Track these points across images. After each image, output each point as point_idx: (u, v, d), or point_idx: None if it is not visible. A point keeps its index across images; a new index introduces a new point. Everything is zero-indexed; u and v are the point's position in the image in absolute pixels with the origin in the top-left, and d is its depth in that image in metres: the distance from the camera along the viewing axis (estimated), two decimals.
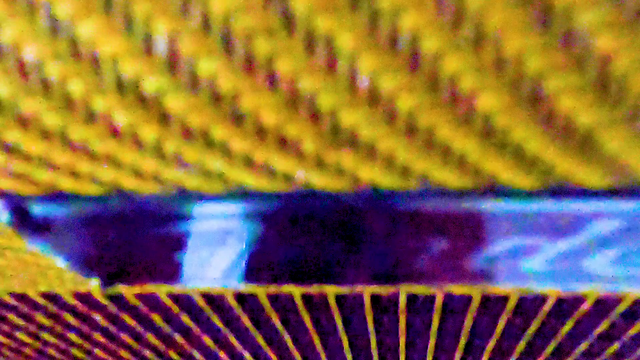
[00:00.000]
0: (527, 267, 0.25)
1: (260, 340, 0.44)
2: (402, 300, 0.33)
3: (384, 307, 0.33)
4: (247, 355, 0.50)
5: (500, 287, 0.28)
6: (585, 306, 0.31)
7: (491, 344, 0.40)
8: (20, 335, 0.53)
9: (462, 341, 0.40)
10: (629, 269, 0.24)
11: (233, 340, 0.45)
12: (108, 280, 0.28)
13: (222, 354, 0.51)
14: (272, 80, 0.16)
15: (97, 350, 0.55)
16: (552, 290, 0.29)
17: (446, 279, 0.26)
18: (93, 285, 0.29)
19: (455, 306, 0.33)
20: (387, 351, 0.41)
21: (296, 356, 0.45)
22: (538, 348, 0.41)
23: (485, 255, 0.24)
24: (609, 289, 0.26)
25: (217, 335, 0.46)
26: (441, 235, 0.23)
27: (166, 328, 0.47)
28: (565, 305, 0.32)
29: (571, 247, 0.23)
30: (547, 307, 0.32)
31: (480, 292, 0.30)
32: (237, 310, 0.36)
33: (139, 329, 0.49)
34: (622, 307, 0.33)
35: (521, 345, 0.40)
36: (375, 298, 0.32)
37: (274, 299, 0.32)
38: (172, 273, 0.28)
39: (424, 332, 0.37)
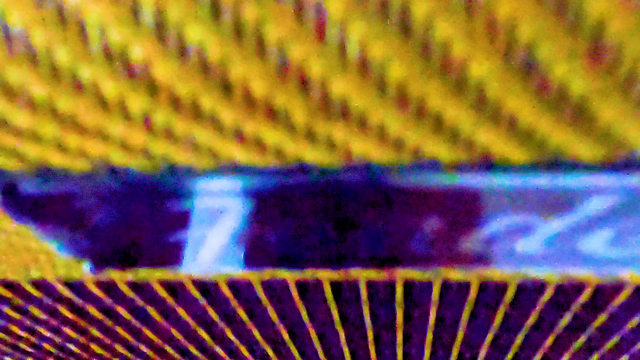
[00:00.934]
0: (522, 248, 0.25)
1: (257, 334, 0.44)
2: (399, 291, 0.32)
3: (381, 298, 0.33)
4: (243, 349, 0.49)
5: (496, 271, 0.28)
6: (585, 296, 0.31)
7: (489, 337, 0.40)
8: (15, 329, 0.53)
9: (460, 334, 0.40)
10: (626, 250, 0.24)
11: (229, 334, 0.45)
12: (99, 264, 0.28)
13: (218, 349, 0.51)
14: (261, 47, 0.16)
15: (92, 345, 0.55)
16: (550, 276, 0.28)
17: (441, 262, 0.26)
18: (85, 269, 0.28)
19: (453, 297, 0.33)
20: (384, 344, 0.41)
21: (292, 350, 0.45)
22: (537, 341, 0.41)
23: (480, 235, 0.24)
24: (607, 272, 0.26)
25: (213, 329, 0.46)
26: (435, 213, 0.22)
27: (163, 322, 0.47)
28: (563, 297, 0.32)
29: (567, 226, 0.23)
30: (546, 296, 0.32)
31: (478, 278, 0.29)
32: (232, 302, 0.36)
33: (136, 323, 0.49)
34: (622, 298, 0.33)
35: (520, 338, 0.40)
36: (371, 288, 0.32)
37: (268, 287, 0.32)
38: (165, 256, 0.27)
39: (422, 325, 0.36)
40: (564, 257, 0.25)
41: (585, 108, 0.17)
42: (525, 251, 0.25)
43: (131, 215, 0.23)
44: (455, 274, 0.29)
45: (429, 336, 0.39)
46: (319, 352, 0.43)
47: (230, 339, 0.46)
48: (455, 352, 0.43)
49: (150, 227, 0.25)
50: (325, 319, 0.36)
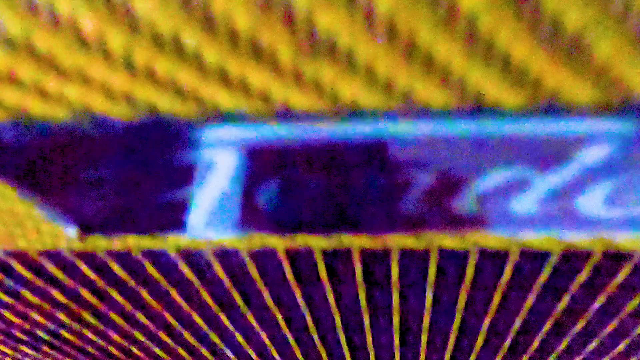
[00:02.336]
0: (518, 208, 0.24)
1: (251, 320, 0.43)
2: (395, 267, 0.32)
3: (375, 269, 0.32)
4: (238, 335, 0.49)
5: (492, 235, 0.27)
6: (588, 269, 0.30)
7: (488, 318, 0.39)
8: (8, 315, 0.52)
9: (458, 319, 0.39)
10: (623, 209, 0.24)
11: (225, 320, 0.44)
12: (84, 229, 0.27)
13: (212, 335, 0.50)
14: None
15: (85, 331, 0.54)
16: (551, 245, 0.28)
17: (433, 225, 0.26)
18: (71, 234, 0.28)
19: (450, 265, 0.32)
20: (378, 321, 0.40)
21: (284, 329, 0.44)
22: (537, 322, 0.40)
23: (473, 192, 0.23)
24: (605, 235, 0.26)
25: (207, 313, 0.45)
26: (425, 166, 0.22)
27: (155, 305, 0.46)
28: (566, 268, 0.31)
29: (563, 181, 0.22)
30: (549, 268, 0.31)
31: (476, 247, 0.29)
32: (222, 276, 0.35)
33: (129, 307, 0.48)
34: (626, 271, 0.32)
35: (521, 316, 0.39)
36: (364, 258, 0.31)
37: (256, 257, 0.31)
38: (151, 220, 0.27)
39: (416, 293, 0.36)
40: (561, 218, 0.24)
41: (580, 43, 0.16)
42: (520, 211, 0.24)
43: (114, 171, 0.23)
44: (451, 242, 0.28)
45: (428, 301, 0.38)
46: (306, 315, 0.42)
47: (221, 320, 0.45)
48: (456, 322, 0.42)
49: (136, 185, 0.24)
50: (315, 290, 0.36)
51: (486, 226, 0.26)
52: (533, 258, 0.29)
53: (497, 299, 0.35)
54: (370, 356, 0.46)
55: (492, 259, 0.30)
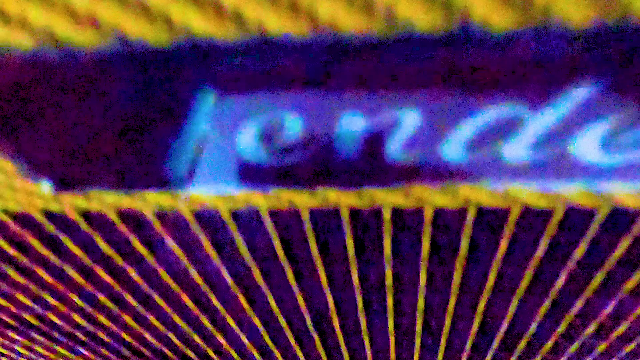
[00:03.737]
0: (509, 155, 0.23)
1: (229, 280, 0.42)
2: (387, 225, 0.31)
3: (366, 229, 0.31)
4: (212, 298, 0.47)
5: (485, 191, 0.26)
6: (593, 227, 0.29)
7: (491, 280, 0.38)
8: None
9: (457, 279, 0.38)
10: (620, 154, 0.22)
11: (203, 285, 0.43)
12: (60, 185, 0.26)
13: (184, 297, 0.48)
14: None
15: (45, 295, 0.53)
16: (552, 203, 0.27)
17: (421, 177, 0.24)
18: (44, 189, 0.27)
19: (448, 222, 0.31)
20: (370, 286, 0.39)
21: (266, 292, 0.43)
22: (551, 278, 0.38)
23: (461, 135, 0.22)
24: (604, 187, 0.24)
25: (185, 279, 0.43)
26: (410, 102, 0.21)
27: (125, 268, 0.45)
28: (570, 224, 0.30)
29: (555, 121, 0.21)
30: (554, 223, 0.30)
31: (471, 204, 0.27)
32: (202, 238, 0.34)
33: (117, 288, 0.47)
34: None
35: (525, 281, 0.38)
36: (355, 217, 0.30)
37: (237, 217, 0.30)
38: (130, 175, 0.26)
39: (411, 252, 0.35)
40: (555, 166, 0.23)
41: None
42: (512, 159, 0.23)
43: (85, 112, 0.22)
44: (443, 199, 0.27)
45: (425, 259, 0.37)
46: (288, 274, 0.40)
47: (198, 284, 0.44)
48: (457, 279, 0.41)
49: (110, 131, 0.23)
50: (302, 255, 0.34)
51: (476, 177, 0.24)
52: (535, 216, 0.28)
53: (498, 257, 0.34)
54: (362, 322, 0.45)
55: (490, 218, 0.29)
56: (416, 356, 0.58)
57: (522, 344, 0.50)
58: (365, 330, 0.52)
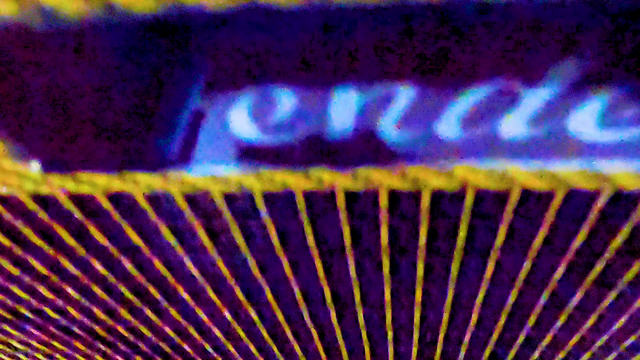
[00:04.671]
0: (506, 132, 0.23)
1: (222, 267, 0.41)
2: (383, 210, 0.30)
3: (362, 209, 0.31)
4: (200, 277, 0.45)
5: (484, 172, 0.25)
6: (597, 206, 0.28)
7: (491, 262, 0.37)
8: None
9: (456, 261, 0.37)
10: (617, 131, 0.22)
11: (190, 266, 0.42)
12: (49, 166, 0.26)
13: (169, 278, 0.48)
14: None
15: (41, 288, 0.52)
16: (552, 184, 0.26)
17: (415, 155, 0.24)
18: (33, 169, 0.26)
19: (446, 207, 0.30)
20: (364, 267, 0.38)
21: (256, 274, 0.42)
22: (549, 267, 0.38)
23: (456, 112, 0.22)
24: (602, 166, 0.24)
25: (173, 259, 0.42)
26: (405, 74, 0.20)
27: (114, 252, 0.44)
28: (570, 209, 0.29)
29: (552, 96, 0.21)
30: (556, 204, 0.29)
31: (469, 186, 0.27)
32: (192, 221, 0.33)
33: (111, 278, 0.46)
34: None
35: (526, 268, 0.37)
36: (350, 200, 0.30)
37: (230, 201, 0.30)
38: (121, 155, 0.25)
39: (408, 235, 0.34)
40: (551, 144, 0.23)
41: None
42: (509, 136, 0.23)
43: (71, 83, 0.21)
44: (440, 181, 0.27)
45: (421, 247, 0.36)
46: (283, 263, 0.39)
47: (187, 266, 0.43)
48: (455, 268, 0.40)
49: (100, 108, 0.22)
50: (294, 234, 0.34)
51: (472, 156, 0.24)
52: (536, 199, 0.28)
53: (499, 239, 0.33)
54: (356, 297, 0.45)
55: (490, 200, 0.28)
56: (414, 351, 0.57)
57: (521, 338, 0.50)
58: (363, 325, 0.52)
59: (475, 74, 0.20)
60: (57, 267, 0.43)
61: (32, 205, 0.32)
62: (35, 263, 0.42)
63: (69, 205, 0.31)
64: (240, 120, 0.23)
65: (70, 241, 0.37)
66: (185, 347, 0.59)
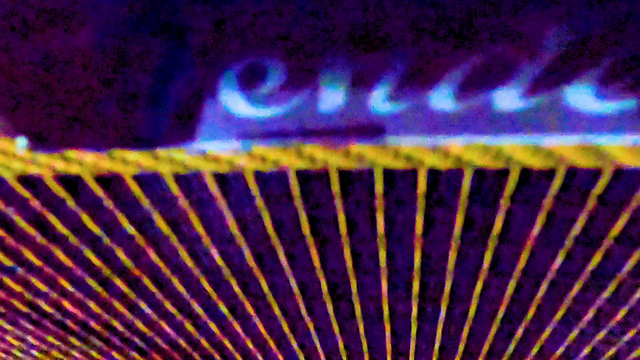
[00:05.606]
0: (500, 104, 0.22)
1: (212, 249, 0.40)
2: (379, 188, 0.30)
3: (356, 191, 0.30)
4: (187, 259, 0.44)
5: (478, 146, 0.25)
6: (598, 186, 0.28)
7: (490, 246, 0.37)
8: None
9: (454, 245, 0.36)
10: (615, 102, 0.21)
11: (181, 250, 0.41)
12: (36, 142, 0.25)
13: (174, 281, 0.47)
14: None
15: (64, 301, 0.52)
16: (548, 162, 0.26)
17: (408, 128, 0.23)
18: (20, 146, 0.26)
19: (443, 187, 0.30)
20: (360, 251, 0.38)
21: (247, 257, 0.41)
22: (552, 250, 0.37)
23: (450, 83, 0.21)
24: (600, 140, 0.23)
25: (162, 243, 0.42)
26: (396, 43, 0.20)
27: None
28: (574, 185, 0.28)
29: (546, 67, 0.20)
30: (557, 184, 0.28)
31: (466, 165, 0.26)
32: (182, 203, 0.32)
33: (105, 272, 0.46)
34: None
35: (525, 253, 0.37)
36: (344, 178, 0.29)
37: (221, 181, 0.29)
38: (111, 132, 0.25)
39: (407, 228, 0.33)
40: (549, 115, 0.22)
41: None
42: (503, 108, 0.22)
43: (56, 53, 0.21)
44: (434, 159, 0.26)
45: (418, 226, 0.36)
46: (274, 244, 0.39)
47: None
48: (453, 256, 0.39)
49: (82, 81, 0.22)
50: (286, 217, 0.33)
51: (467, 130, 0.23)
52: (537, 178, 0.27)
53: (498, 222, 0.32)
54: (352, 284, 0.44)
55: (490, 179, 0.28)
56: (412, 345, 0.57)
57: (520, 332, 0.49)
58: (360, 318, 0.51)
59: (470, 42, 0.20)
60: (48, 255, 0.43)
61: (17, 186, 0.31)
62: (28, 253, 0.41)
63: (54, 186, 0.31)
64: (230, 94, 0.23)
65: (64, 230, 0.36)
66: (181, 341, 0.59)
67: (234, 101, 0.23)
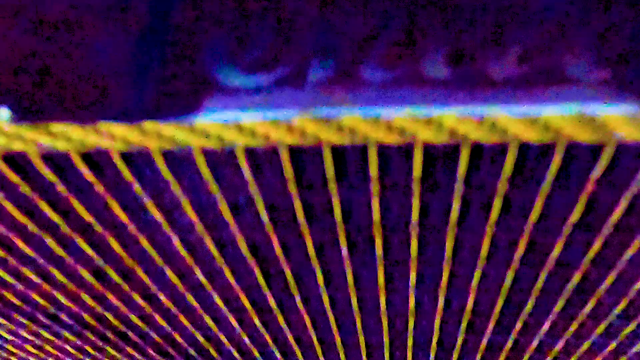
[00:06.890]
0: (492, 71, 0.21)
1: (201, 232, 0.40)
2: (372, 166, 0.29)
3: (349, 169, 0.30)
4: (178, 245, 0.43)
5: (473, 119, 0.24)
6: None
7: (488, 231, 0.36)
8: None
9: (452, 225, 0.36)
10: (612, 71, 0.21)
11: (169, 231, 0.40)
12: (20, 114, 0.25)
13: (168, 271, 0.47)
14: None
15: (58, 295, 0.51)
16: (545, 136, 0.25)
17: (399, 98, 0.23)
18: (2, 117, 0.25)
19: (440, 172, 0.29)
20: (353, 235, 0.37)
21: (243, 250, 0.41)
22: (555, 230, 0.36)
23: (442, 48, 0.21)
24: (599, 110, 0.23)
25: (150, 227, 0.41)
26: (389, 6, 0.19)
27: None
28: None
29: (540, 30, 0.20)
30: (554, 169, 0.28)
31: (463, 139, 0.26)
32: (172, 182, 0.32)
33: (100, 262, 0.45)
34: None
35: (524, 237, 0.36)
36: (337, 156, 0.29)
37: (211, 156, 0.28)
38: (88, 100, 0.24)
39: (402, 208, 0.33)
40: (545, 83, 0.22)
41: None
42: (496, 75, 0.22)
43: (38, 17, 0.20)
44: (428, 133, 0.25)
45: (415, 210, 0.35)
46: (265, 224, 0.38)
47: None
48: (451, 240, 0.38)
49: (65, 47, 0.21)
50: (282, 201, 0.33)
51: (460, 100, 0.23)
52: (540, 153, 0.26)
53: (497, 202, 0.32)
54: (346, 269, 0.43)
55: (488, 155, 0.27)
56: (410, 342, 0.56)
57: (519, 323, 0.48)
58: (357, 311, 0.51)
59: (463, 9, 0.19)
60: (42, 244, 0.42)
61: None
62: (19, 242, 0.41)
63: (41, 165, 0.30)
64: (217, 63, 0.22)
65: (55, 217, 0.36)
66: (177, 336, 0.58)
67: (221, 71, 0.23)
